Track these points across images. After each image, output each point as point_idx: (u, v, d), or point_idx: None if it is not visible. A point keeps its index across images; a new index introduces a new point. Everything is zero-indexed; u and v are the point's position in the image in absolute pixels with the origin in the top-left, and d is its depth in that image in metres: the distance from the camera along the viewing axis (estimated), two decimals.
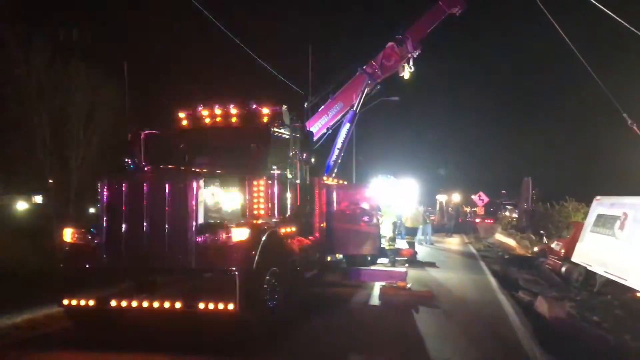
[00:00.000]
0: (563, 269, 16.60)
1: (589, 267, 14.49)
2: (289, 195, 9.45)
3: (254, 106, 9.37)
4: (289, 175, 9.52)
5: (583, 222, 16.89)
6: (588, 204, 17.50)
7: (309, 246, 10.07)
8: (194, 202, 7.31)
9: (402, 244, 17.76)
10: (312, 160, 9.99)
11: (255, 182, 8.43)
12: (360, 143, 30.43)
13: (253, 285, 7.23)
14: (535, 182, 36.52)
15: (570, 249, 16.30)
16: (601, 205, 15.46)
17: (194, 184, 7.34)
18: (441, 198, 40.63)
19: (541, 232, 25.49)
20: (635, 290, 11.90)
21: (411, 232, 18.53)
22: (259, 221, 8.15)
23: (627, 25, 11.65)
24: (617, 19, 11.79)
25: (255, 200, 8.42)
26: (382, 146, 44.67)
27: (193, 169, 8.20)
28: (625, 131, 14.94)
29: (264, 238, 7.57)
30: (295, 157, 9.68)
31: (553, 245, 18.91)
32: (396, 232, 20.16)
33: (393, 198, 20.71)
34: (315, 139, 14.39)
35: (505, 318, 9.34)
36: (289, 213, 9.43)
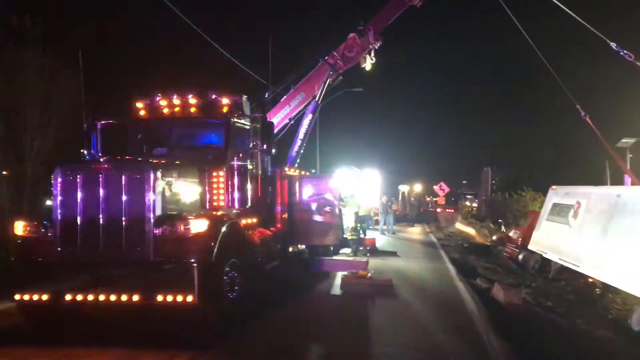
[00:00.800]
0: (520, 257, 17.04)
1: (544, 255, 14.91)
2: (249, 186, 9.39)
3: (213, 96, 9.26)
4: (250, 166, 9.45)
5: (539, 211, 17.34)
6: (545, 193, 17.97)
7: (271, 237, 10.05)
8: (151, 194, 7.20)
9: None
10: (273, 150, 9.95)
11: (214, 173, 8.35)
12: (324, 134, 30.50)
13: (212, 277, 7.19)
14: (495, 172, 37.42)
15: (527, 237, 16.74)
16: (556, 195, 15.90)
17: (151, 175, 7.23)
18: (403, 188, 41.20)
19: (499, 221, 26.13)
20: (587, 277, 12.32)
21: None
22: (219, 212, 8.09)
23: (585, 24, 11.94)
24: (576, 17, 12.07)
25: (214, 192, 8.35)
26: (347, 137, 44.92)
27: (151, 160, 8.05)
28: (580, 123, 15.38)
29: (223, 229, 7.52)
30: (256, 148, 9.61)
31: (511, 234, 19.39)
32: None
33: (356, 188, 20.92)
34: (277, 129, 14.32)
35: (463, 305, 9.56)
36: (249, 204, 9.37)
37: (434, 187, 39.85)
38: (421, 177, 53.83)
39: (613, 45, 11.76)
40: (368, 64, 15.21)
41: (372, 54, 15.08)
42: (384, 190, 31.15)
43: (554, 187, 16.44)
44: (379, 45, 14.99)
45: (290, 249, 11.49)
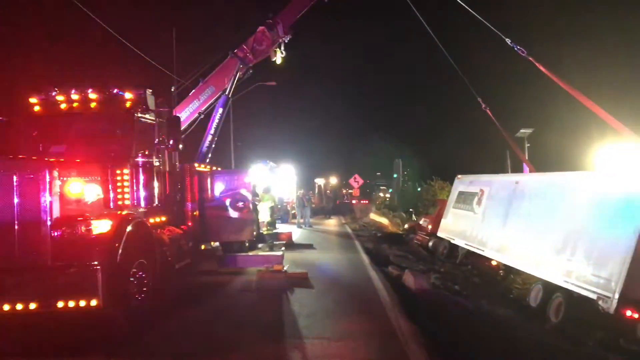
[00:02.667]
0: (430, 244, 17.77)
1: (452, 241, 15.64)
2: (156, 183, 9.06)
3: (115, 90, 8.83)
4: (156, 163, 9.11)
5: (447, 199, 18.14)
6: (453, 182, 18.79)
7: (181, 235, 9.77)
8: (47, 194, 6.78)
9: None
10: (181, 146, 9.63)
11: (118, 171, 7.96)
12: (239, 129, 30.19)
13: (117, 279, 6.90)
14: (407, 164, 38.65)
15: (436, 224, 17.48)
16: (462, 184, 16.71)
17: (47, 175, 6.80)
18: (319, 182, 41.66)
19: (411, 210, 27.09)
20: (491, 260, 13.05)
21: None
22: (123, 212, 7.75)
23: (486, 23, 12.56)
24: (479, 17, 12.67)
25: (118, 190, 7.96)
26: (262, 132, 44.70)
27: (46, 158, 7.55)
28: (483, 115, 16.20)
29: (128, 229, 7.23)
30: (163, 144, 9.28)
31: (421, 222, 20.16)
32: (275, 217, 20.37)
33: (272, 183, 20.85)
34: (186, 124, 13.97)
35: (375, 293, 9.78)
36: (157, 202, 9.05)
37: (349, 179, 40.61)
38: (337, 170, 54.67)
39: (508, 40, 12.46)
40: (279, 57, 15.22)
41: (282, 48, 15.11)
42: (300, 184, 31.36)
43: (459, 176, 17.26)
44: (289, 38, 15.03)
45: (203, 247, 11.24)
